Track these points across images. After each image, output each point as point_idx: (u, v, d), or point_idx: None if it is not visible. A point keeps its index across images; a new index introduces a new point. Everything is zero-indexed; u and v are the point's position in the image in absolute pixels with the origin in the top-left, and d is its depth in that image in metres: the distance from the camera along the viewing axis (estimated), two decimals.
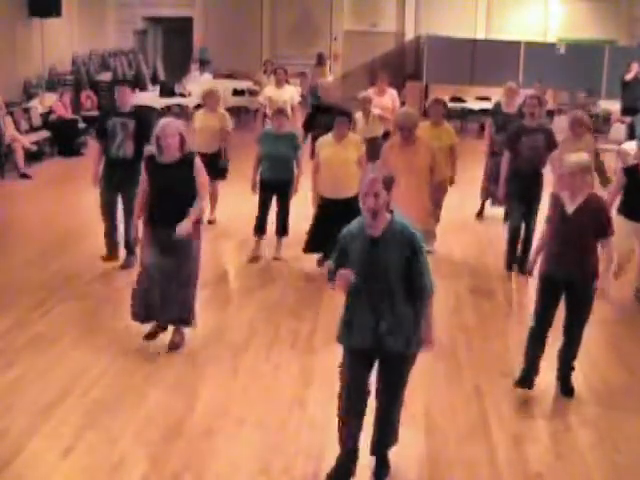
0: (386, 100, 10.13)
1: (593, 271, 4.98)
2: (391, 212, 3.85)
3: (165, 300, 5.51)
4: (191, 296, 5.64)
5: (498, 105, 9.57)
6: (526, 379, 5.14)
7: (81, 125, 13.18)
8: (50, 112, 13.15)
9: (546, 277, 5.07)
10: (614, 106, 15.84)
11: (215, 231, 8.62)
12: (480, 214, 9.64)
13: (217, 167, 8.97)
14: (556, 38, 20.13)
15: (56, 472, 4.15)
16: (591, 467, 4.40)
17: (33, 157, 11.89)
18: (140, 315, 5.64)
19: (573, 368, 5.19)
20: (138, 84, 16.55)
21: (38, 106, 13.16)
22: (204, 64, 19.41)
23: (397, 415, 4.14)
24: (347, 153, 7.07)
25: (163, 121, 5.42)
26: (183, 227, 5.33)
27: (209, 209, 9.03)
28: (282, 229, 7.70)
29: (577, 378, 5.31)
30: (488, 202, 9.52)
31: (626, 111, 14.83)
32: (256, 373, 5.38)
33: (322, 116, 8.15)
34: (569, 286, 4.98)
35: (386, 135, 9.40)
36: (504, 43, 19.25)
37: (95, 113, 13.20)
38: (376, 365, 4.03)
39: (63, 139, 12.81)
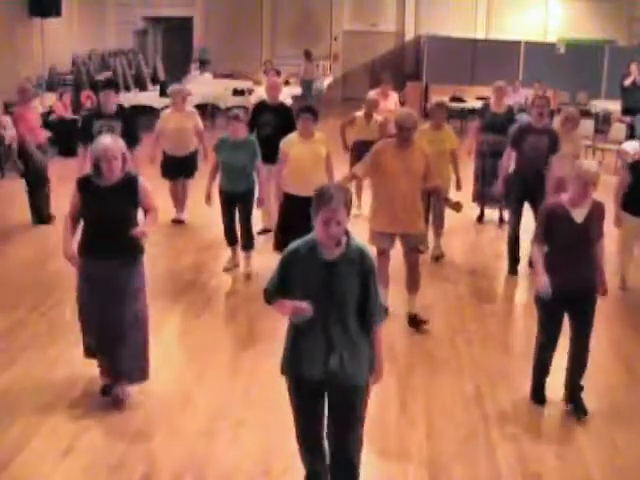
0: (390, 103, 10.09)
1: (595, 279, 4.89)
2: (346, 233, 3.46)
3: (108, 350, 4.79)
4: (140, 344, 4.85)
5: (487, 105, 9.56)
6: (541, 394, 5.06)
7: None
8: (50, 112, 13.15)
9: (554, 293, 4.78)
10: (614, 106, 15.85)
11: (207, 232, 8.61)
12: (480, 218, 9.56)
13: (189, 169, 8.98)
14: (556, 38, 20.16)
15: (56, 472, 4.15)
16: (591, 467, 4.40)
17: None
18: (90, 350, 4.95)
19: (582, 387, 5.00)
20: (138, 84, 16.56)
21: (38, 106, 13.14)
22: (204, 64, 19.43)
23: (356, 455, 3.64)
24: (316, 150, 6.93)
25: (104, 141, 4.64)
26: (143, 229, 4.67)
27: (180, 208, 9.06)
28: (247, 243, 7.36)
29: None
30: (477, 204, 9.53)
31: (627, 111, 14.84)
32: (256, 373, 5.38)
33: (265, 115, 7.97)
34: (577, 298, 4.82)
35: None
36: (504, 43, 19.28)
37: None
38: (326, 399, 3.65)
39: (63, 139, 12.79)
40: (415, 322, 6.19)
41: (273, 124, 7.83)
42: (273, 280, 3.58)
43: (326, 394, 3.62)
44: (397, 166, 6.01)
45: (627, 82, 15.38)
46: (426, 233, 6.61)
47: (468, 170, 9.43)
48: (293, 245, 3.54)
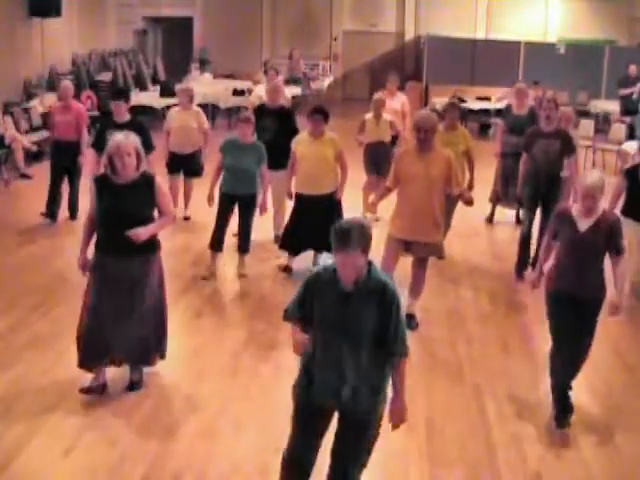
0: (395, 103, 10.01)
1: (603, 289, 4.84)
2: (368, 263, 3.35)
3: (120, 339, 4.86)
4: (155, 334, 5.04)
5: (509, 106, 9.52)
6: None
7: None
8: (50, 112, 13.13)
9: (558, 295, 4.84)
10: (614, 106, 15.85)
11: (209, 231, 8.59)
12: (490, 219, 9.60)
13: (193, 167, 9.06)
14: (556, 38, 20.16)
15: (56, 472, 4.16)
16: (591, 467, 4.40)
17: (33, 157, 11.89)
18: (86, 362, 4.92)
19: (571, 387, 5.01)
20: (138, 84, 16.56)
21: (38, 106, 13.14)
22: (204, 64, 19.43)
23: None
24: (325, 150, 6.93)
25: (117, 137, 4.68)
26: (140, 231, 4.66)
27: (183, 206, 9.15)
28: (244, 245, 7.28)
29: (577, 378, 5.28)
30: (498, 205, 9.54)
31: (626, 112, 14.86)
32: (256, 373, 5.38)
33: (267, 119, 7.82)
34: (577, 304, 4.79)
35: (394, 139, 9.40)
36: (504, 43, 19.28)
37: (95, 113, 13.19)
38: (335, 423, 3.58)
39: None
40: (408, 320, 6.18)
41: (274, 129, 7.76)
42: (294, 301, 3.54)
43: (337, 422, 3.56)
44: (415, 170, 5.86)
45: (623, 92, 15.37)
46: (442, 244, 6.42)
47: (485, 170, 9.42)
48: (316, 270, 3.50)
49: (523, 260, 7.59)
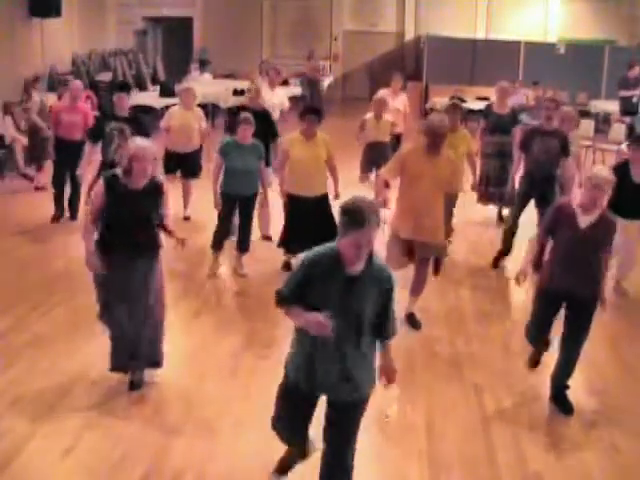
0: (398, 103, 10.01)
1: (598, 286, 4.85)
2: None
3: (138, 341, 4.96)
4: (155, 334, 5.07)
5: (490, 106, 9.51)
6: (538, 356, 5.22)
7: None
8: (50, 112, 13.12)
9: (551, 291, 4.87)
10: (614, 106, 15.84)
11: (207, 231, 8.60)
12: (500, 218, 9.47)
13: (192, 168, 9.01)
14: (556, 38, 20.15)
15: (56, 472, 4.16)
16: (591, 467, 4.40)
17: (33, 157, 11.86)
18: (117, 365, 5.09)
19: (568, 387, 5.04)
20: (138, 84, 16.55)
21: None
22: (204, 64, 19.43)
23: (350, 461, 3.62)
24: (318, 151, 6.95)
25: (141, 144, 4.69)
26: (180, 237, 5.01)
27: (183, 206, 9.11)
28: (244, 245, 7.30)
29: (576, 378, 5.29)
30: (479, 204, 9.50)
31: (625, 112, 14.85)
32: (256, 373, 5.38)
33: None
34: (573, 301, 4.82)
35: (397, 139, 9.38)
36: (504, 43, 19.28)
37: (95, 113, 13.17)
38: (324, 407, 3.63)
39: None
40: (411, 320, 6.21)
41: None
42: (290, 284, 3.43)
43: (328, 405, 3.60)
44: (423, 170, 5.87)
45: (625, 93, 15.34)
46: (446, 245, 6.41)
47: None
48: (315, 252, 3.39)
49: (505, 251, 7.69)
